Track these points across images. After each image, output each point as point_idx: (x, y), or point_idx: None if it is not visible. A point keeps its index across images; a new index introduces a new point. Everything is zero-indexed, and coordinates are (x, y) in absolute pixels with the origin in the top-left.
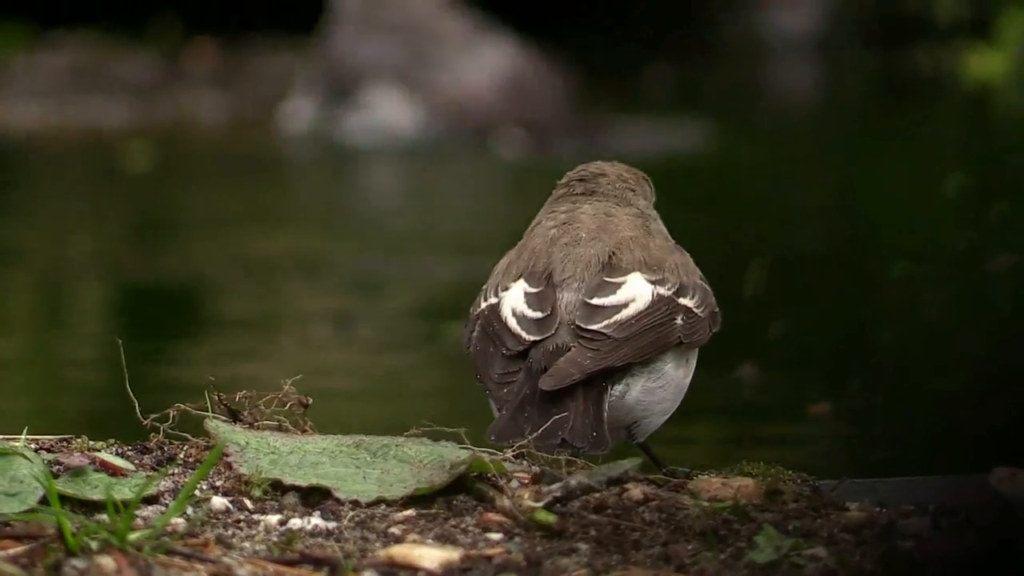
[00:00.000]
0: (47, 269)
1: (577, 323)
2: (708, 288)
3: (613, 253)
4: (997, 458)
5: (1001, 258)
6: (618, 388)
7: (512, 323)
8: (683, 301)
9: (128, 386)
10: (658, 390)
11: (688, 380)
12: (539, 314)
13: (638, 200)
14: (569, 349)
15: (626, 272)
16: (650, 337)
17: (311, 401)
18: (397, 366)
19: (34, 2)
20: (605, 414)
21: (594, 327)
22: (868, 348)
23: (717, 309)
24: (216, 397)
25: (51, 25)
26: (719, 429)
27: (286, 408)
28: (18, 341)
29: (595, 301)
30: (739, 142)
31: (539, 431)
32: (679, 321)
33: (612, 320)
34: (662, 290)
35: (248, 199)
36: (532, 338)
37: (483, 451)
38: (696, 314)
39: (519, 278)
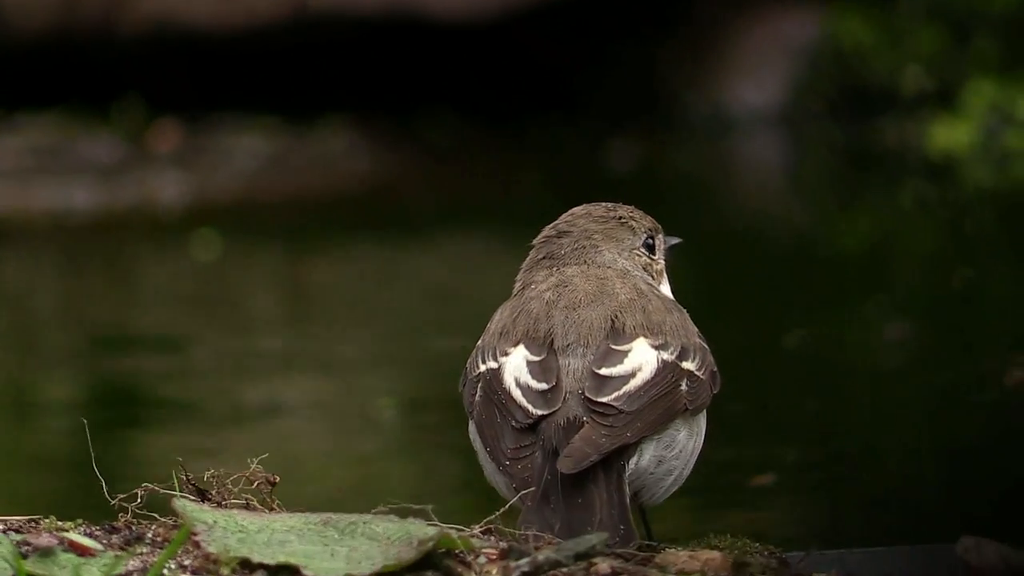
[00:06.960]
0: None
1: (586, 394)
2: (706, 347)
3: (615, 317)
4: (962, 528)
5: (897, 326)
6: (632, 461)
7: (517, 394)
8: (685, 365)
9: (95, 465)
10: (671, 459)
11: (698, 445)
12: (544, 385)
13: (604, 254)
14: (581, 423)
15: (630, 339)
16: (660, 408)
17: (278, 479)
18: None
19: None
20: (628, 500)
21: (604, 399)
22: (793, 419)
23: (715, 368)
24: (184, 476)
25: (14, 108)
26: (668, 501)
27: (253, 486)
28: None
29: (603, 371)
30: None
31: (566, 528)
32: (683, 387)
33: (621, 391)
34: (665, 355)
35: None
36: (540, 412)
37: (450, 527)
38: (698, 377)
39: (518, 343)
